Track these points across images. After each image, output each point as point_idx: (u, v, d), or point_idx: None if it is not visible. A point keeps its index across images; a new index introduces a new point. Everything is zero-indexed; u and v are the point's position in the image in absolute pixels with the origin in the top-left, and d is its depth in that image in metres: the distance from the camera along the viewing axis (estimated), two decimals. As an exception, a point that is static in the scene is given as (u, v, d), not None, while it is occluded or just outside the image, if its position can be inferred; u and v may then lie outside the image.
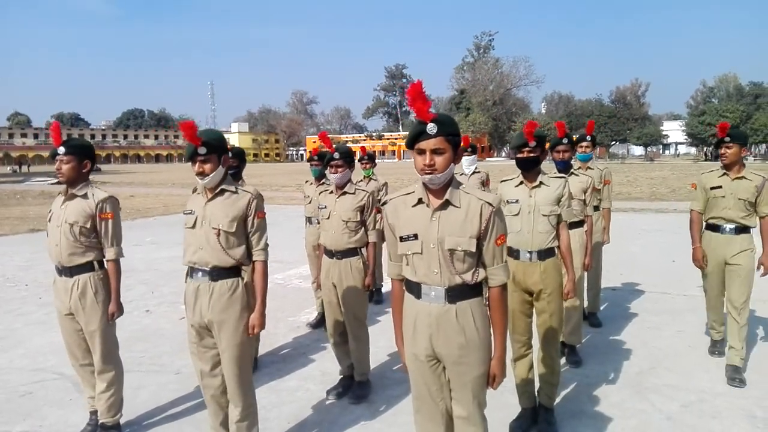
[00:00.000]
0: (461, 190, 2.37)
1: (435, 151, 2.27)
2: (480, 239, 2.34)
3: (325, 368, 4.78)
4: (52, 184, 34.90)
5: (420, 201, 2.39)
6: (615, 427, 3.69)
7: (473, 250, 2.32)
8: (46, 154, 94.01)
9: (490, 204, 2.33)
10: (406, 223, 2.41)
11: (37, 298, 7.30)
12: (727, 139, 4.28)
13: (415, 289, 2.43)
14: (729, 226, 4.44)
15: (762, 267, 4.37)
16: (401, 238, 2.41)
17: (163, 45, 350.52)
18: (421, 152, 2.29)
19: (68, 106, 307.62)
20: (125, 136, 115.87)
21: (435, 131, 2.25)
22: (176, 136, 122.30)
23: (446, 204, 2.34)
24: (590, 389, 4.26)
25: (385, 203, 2.53)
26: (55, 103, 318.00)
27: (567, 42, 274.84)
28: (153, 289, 7.72)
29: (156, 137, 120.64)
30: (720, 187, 4.43)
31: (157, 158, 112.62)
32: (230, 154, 3.28)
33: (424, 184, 2.37)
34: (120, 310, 3.57)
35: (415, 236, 2.37)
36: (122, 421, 3.72)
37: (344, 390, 4.24)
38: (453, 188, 2.35)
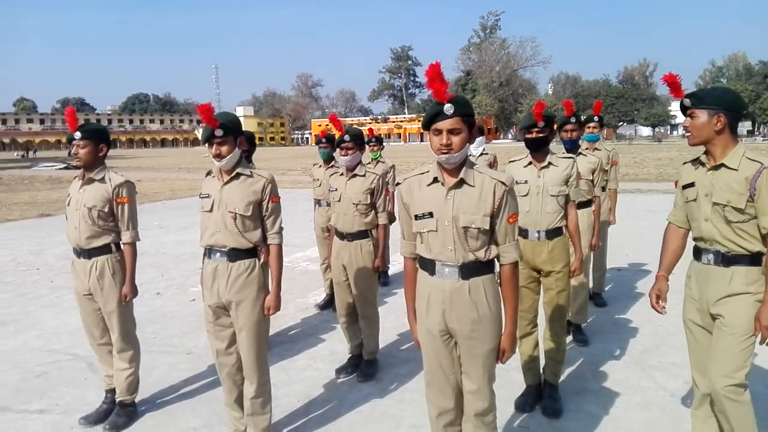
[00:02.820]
0: (475, 169, 2.43)
1: (451, 131, 2.32)
2: (493, 217, 2.39)
3: (333, 348, 4.86)
4: (59, 169, 35.10)
5: (435, 180, 2.45)
6: (619, 403, 3.75)
7: (486, 227, 2.38)
8: (52, 139, 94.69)
9: (503, 183, 2.39)
10: (421, 201, 2.47)
11: (48, 281, 7.40)
12: (688, 102, 2.62)
13: (429, 266, 2.49)
14: (709, 253, 2.68)
15: (758, 327, 2.53)
16: (416, 217, 2.47)
17: (168, 29, 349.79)
18: (438, 132, 2.34)
19: (74, 91, 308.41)
20: (131, 121, 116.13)
21: (452, 111, 2.30)
22: (182, 121, 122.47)
23: (461, 183, 2.40)
24: (595, 367, 4.32)
25: (399, 183, 2.58)
26: (61, 88, 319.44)
27: (574, 21, 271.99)
28: (163, 272, 7.82)
29: (161, 122, 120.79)
30: (692, 185, 2.73)
31: (163, 143, 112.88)
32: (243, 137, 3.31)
33: (439, 163, 2.42)
34: (133, 292, 3.64)
35: (431, 214, 2.43)
36: (136, 399, 3.81)
37: (353, 369, 4.32)
38: (467, 168, 2.41)
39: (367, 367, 4.29)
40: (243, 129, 3.21)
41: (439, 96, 2.32)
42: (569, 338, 4.71)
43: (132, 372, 3.71)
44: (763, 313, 2.49)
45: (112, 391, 3.77)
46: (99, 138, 3.55)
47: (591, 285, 5.57)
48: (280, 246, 3.22)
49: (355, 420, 3.66)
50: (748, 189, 2.47)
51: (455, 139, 2.32)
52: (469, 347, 2.48)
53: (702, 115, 2.58)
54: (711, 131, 2.57)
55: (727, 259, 2.61)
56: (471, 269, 2.42)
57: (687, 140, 2.72)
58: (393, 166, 6.94)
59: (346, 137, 4.20)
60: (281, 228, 3.23)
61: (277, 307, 3.20)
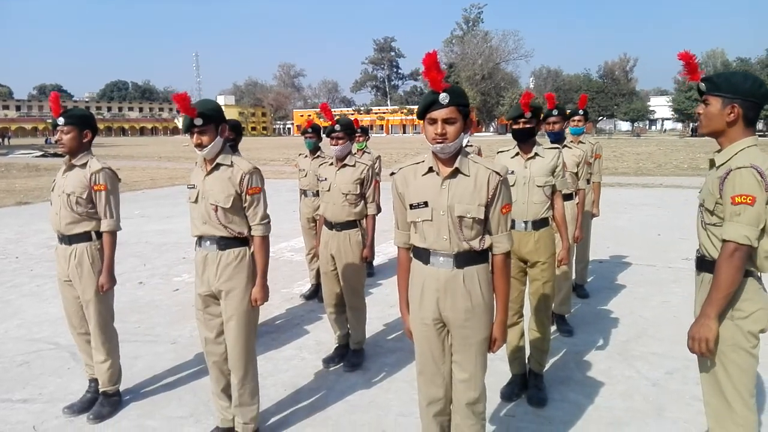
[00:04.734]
0: (470, 159, 2.43)
1: (446, 121, 2.32)
2: (487, 207, 2.40)
3: (319, 338, 4.86)
4: (36, 156, 34.48)
5: (430, 170, 2.45)
6: (603, 392, 3.81)
7: (481, 217, 2.39)
8: (28, 126, 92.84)
9: (497, 173, 2.40)
10: (416, 191, 2.47)
11: (28, 270, 7.29)
12: (703, 86, 2.37)
13: (423, 255, 2.50)
14: (697, 255, 2.51)
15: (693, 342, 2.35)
16: (411, 206, 2.48)
17: (147, 15, 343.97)
18: (433, 122, 2.34)
19: (51, 77, 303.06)
20: (109, 109, 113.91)
21: (447, 101, 2.30)
22: (161, 109, 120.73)
23: (456, 172, 2.41)
24: (579, 357, 4.38)
25: (394, 173, 2.58)
26: (38, 74, 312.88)
27: (556, 15, 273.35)
28: (145, 261, 7.74)
29: (141, 110, 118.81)
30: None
31: (142, 131, 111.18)
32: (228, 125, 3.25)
33: (434, 153, 2.42)
34: (110, 282, 3.55)
35: (426, 204, 2.43)
36: (121, 388, 3.78)
37: (340, 359, 4.33)
38: (462, 157, 2.41)
39: (354, 357, 4.30)
40: (226, 116, 3.15)
41: (435, 85, 2.31)
42: (553, 328, 4.77)
43: (111, 364, 3.64)
44: (692, 326, 2.35)
45: (95, 381, 3.73)
46: (83, 124, 3.49)
47: (574, 276, 5.64)
48: (263, 237, 3.14)
49: (343, 409, 3.67)
50: (719, 189, 2.27)
51: (450, 129, 2.32)
52: (462, 336, 2.49)
53: (716, 103, 2.32)
54: (722, 122, 2.31)
55: (699, 263, 2.47)
56: (466, 258, 2.44)
57: (699, 128, 2.48)
58: (378, 157, 6.94)
59: (337, 127, 4.18)
60: (264, 218, 3.15)
61: (264, 298, 3.16)
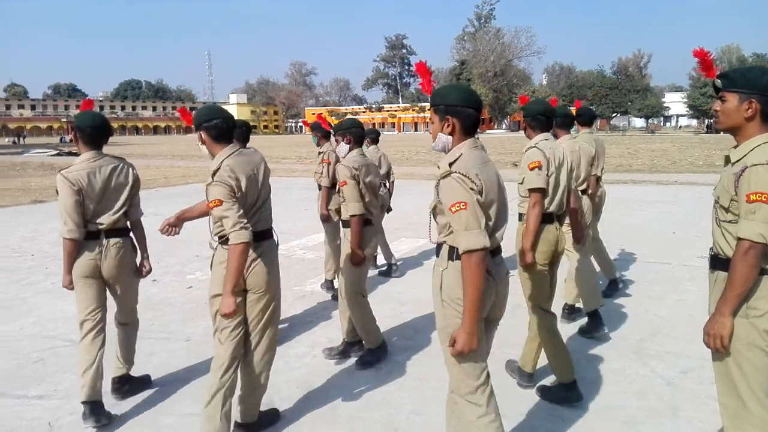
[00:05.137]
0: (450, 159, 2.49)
1: (431, 121, 2.58)
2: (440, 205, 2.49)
3: (331, 336, 4.86)
4: (51, 155, 34.83)
5: None
6: (617, 391, 3.78)
7: (429, 212, 2.58)
8: (43, 125, 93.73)
9: (438, 174, 2.47)
10: None
11: (43, 268, 7.36)
12: (719, 83, 2.36)
13: None
14: (711, 253, 2.47)
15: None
16: None
17: (160, 15, 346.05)
18: None
19: (65, 76, 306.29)
20: (123, 108, 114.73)
21: (430, 103, 2.56)
22: (174, 108, 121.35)
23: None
24: (592, 355, 4.35)
25: None
26: (52, 73, 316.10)
27: (569, 11, 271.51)
28: (159, 259, 7.74)
29: (154, 108, 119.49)
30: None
31: (155, 130, 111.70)
32: (202, 130, 3.09)
33: None
34: (65, 283, 3.53)
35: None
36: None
37: (343, 354, 4.38)
38: (443, 157, 2.53)
39: (367, 355, 4.29)
40: (235, 117, 3.26)
41: (423, 89, 2.68)
42: (565, 325, 4.74)
43: (82, 373, 3.45)
44: (707, 323, 2.34)
45: (114, 378, 3.81)
46: (75, 126, 3.53)
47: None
48: (235, 245, 2.86)
49: (355, 407, 3.67)
50: (734, 186, 2.23)
51: (431, 129, 2.56)
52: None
53: (733, 99, 2.29)
54: (740, 117, 2.28)
55: (712, 261, 2.44)
56: (438, 249, 2.58)
57: (716, 124, 2.46)
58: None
59: (331, 131, 4.41)
60: (235, 225, 2.86)
61: (225, 309, 2.90)
